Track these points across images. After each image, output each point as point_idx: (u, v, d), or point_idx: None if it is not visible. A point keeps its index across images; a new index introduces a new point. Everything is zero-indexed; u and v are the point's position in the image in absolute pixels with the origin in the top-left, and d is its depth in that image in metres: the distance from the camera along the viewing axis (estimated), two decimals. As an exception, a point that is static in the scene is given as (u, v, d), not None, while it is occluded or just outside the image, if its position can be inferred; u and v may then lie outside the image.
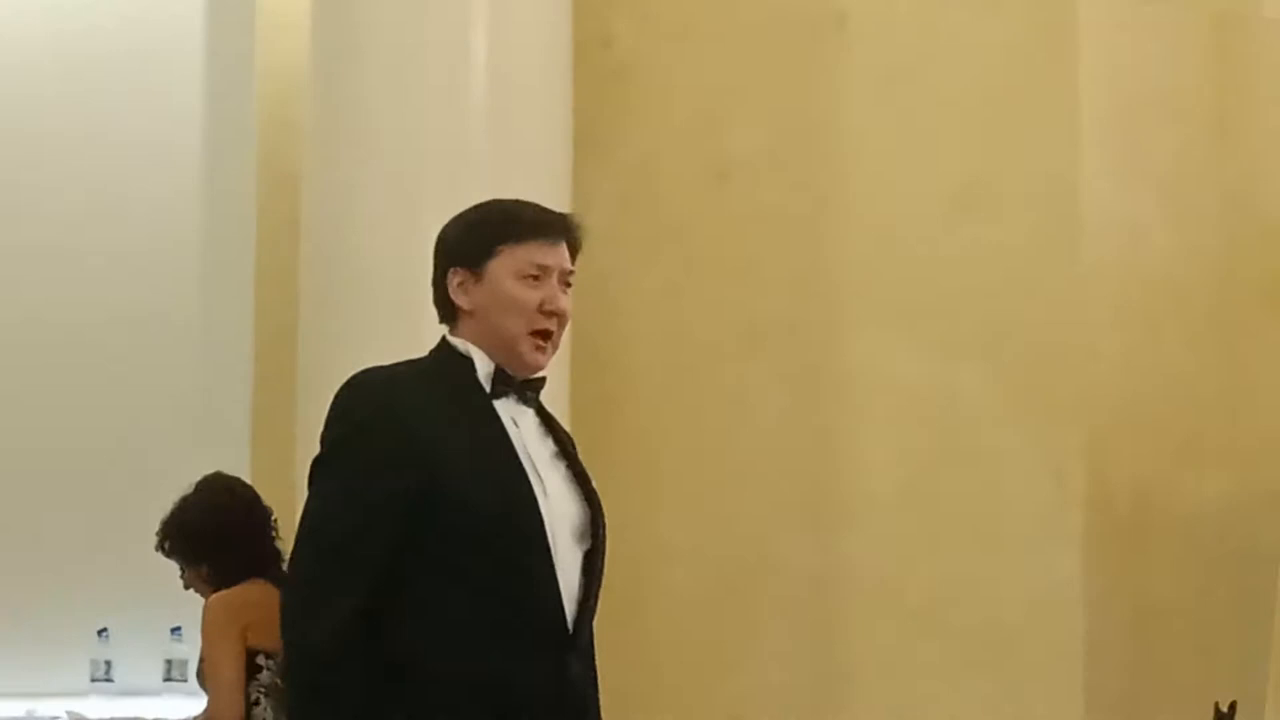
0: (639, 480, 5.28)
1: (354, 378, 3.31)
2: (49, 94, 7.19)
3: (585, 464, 3.37)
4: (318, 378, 4.67)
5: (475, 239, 3.34)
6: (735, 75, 5.49)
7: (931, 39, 5.42)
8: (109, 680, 6.95)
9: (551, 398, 4.34)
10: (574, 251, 3.36)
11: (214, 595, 4.85)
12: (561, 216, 3.38)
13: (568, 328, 3.40)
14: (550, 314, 3.32)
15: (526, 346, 3.32)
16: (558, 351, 3.41)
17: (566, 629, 3.26)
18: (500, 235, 3.33)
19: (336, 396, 3.29)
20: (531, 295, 3.30)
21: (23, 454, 7.07)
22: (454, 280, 3.34)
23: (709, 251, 5.44)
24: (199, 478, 5.04)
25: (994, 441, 5.25)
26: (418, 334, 4.04)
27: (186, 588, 4.99)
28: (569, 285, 3.36)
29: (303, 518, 3.26)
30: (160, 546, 4.94)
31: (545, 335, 3.32)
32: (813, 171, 5.42)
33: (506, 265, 3.31)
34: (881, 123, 5.41)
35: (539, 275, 3.31)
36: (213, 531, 4.88)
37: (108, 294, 7.14)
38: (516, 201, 3.42)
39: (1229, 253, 5.59)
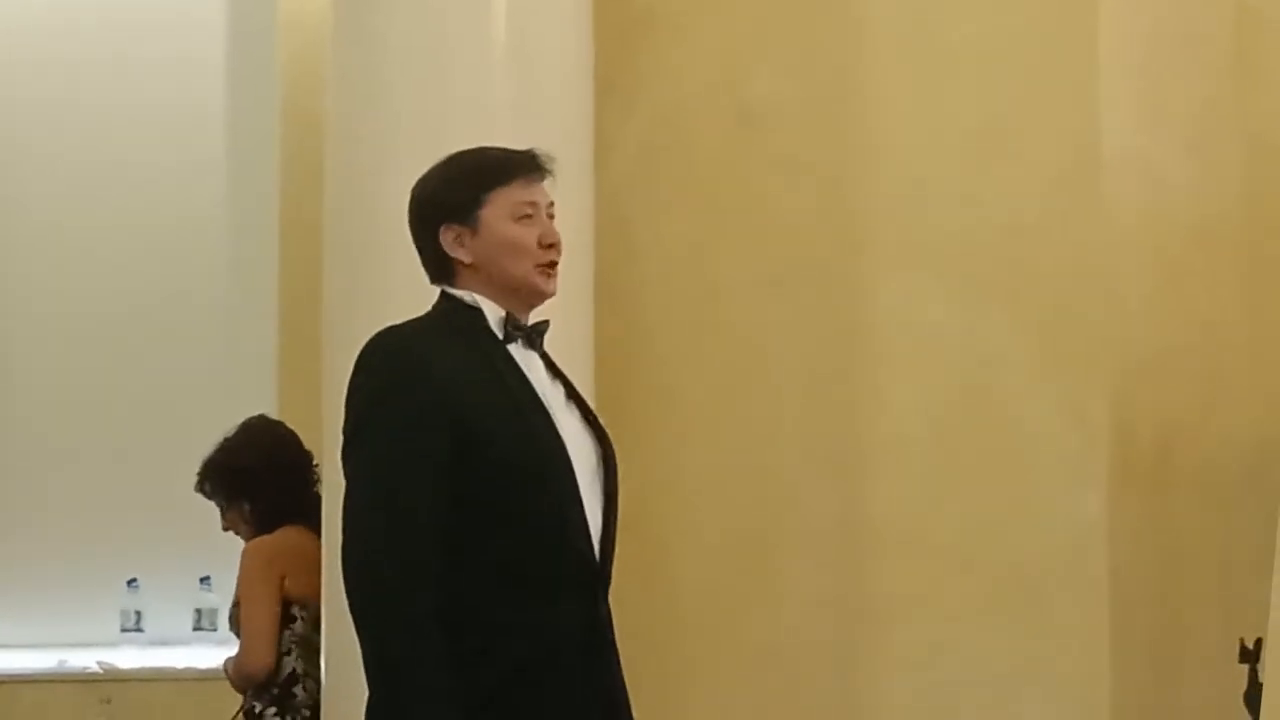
0: (664, 425, 5.29)
1: (376, 339, 3.32)
2: (69, 49, 7.21)
3: (611, 410, 3.38)
4: (342, 330, 4.68)
5: (461, 190, 3.37)
6: (759, 20, 5.47)
7: (954, -19, 5.40)
8: (139, 630, 7.01)
9: (575, 344, 4.36)
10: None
11: (253, 541, 4.87)
12: (533, 153, 3.41)
13: (590, 273, 3.42)
14: (549, 246, 3.37)
15: (538, 278, 3.37)
16: (581, 298, 3.42)
17: (596, 568, 3.30)
18: (486, 181, 3.37)
19: (361, 359, 3.30)
20: (529, 233, 3.36)
21: (52, 407, 7.11)
22: (448, 236, 3.36)
23: (732, 197, 5.44)
24: (236, 423, 5.06)
25: (1018, 384, 5.25)
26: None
27: (226, 529, 5.00)
28: (552, 217, 3.41)
29: (353, 486, 3.24)
30: (200, 487, 4.95)
31: (551, 266, 3.38)
32: (835, 117, 5.41)
33: (499, 210, 3.35)
34: (905, 68, 5.39)
35: (531, 213, 3.36)
36: (256, 469, 4.90)
37: (134, 250, 7.18)
38: (484, 148, 3.46)
39: (1253, 195, 5.57)
